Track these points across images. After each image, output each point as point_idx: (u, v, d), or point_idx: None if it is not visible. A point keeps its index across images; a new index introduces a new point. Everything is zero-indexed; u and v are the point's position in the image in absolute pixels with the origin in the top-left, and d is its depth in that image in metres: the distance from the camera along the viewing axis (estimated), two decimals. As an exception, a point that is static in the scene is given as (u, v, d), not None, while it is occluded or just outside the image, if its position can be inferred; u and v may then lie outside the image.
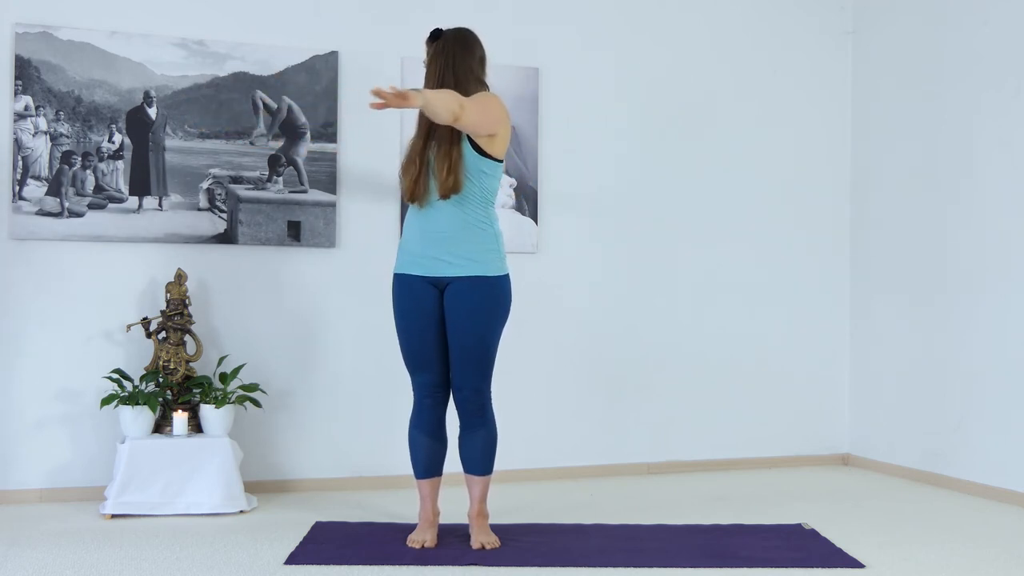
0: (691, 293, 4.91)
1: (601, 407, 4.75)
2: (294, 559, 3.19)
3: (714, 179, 4.95)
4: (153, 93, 4.16)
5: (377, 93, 2.90)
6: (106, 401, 3.82)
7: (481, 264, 3.30)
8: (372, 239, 4.42)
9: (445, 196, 3.24)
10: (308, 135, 4.34)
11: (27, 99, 4.02)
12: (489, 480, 3.42)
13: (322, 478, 4.35)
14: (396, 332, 3.39)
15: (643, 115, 4.85)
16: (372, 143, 4.43)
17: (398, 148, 4.42)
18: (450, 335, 3.32)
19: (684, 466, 4.86)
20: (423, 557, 3.23)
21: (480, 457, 3.37)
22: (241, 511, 3.83)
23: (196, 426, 3.96)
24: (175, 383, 3.97)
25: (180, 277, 4.03)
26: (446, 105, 3.03)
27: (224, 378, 4.00)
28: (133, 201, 4.13)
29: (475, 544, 3.33)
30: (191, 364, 4.05)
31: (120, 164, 4.13)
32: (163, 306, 4.11)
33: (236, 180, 4.26)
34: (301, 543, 3.38)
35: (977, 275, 4.38)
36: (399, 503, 4.04)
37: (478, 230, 3.30)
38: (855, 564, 3.19)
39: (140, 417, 3.83)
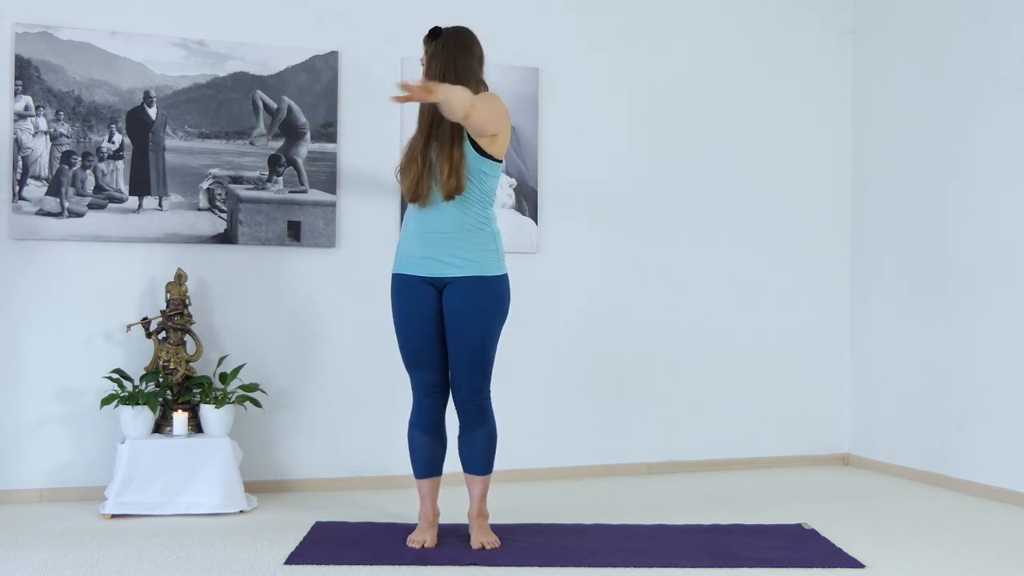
0: (691, 293, 4.91)
1: (601, 407, 4.75)
2: (294, 559, 3.19)
3: (714, 179, 4.95)
4: (153, 93, 4.16)
5: (404, 87, 2.91)
6: (106, 401, 3.82)
7: (480, 264, 3.30)
8: (372, 239, 4.42)
9: (448, 197, 3.23)
10: (308, 135, 4.34)
11: (27, 99, 4.02)
12: (489, 480, 3.42)
13: (322, 478, 4.35)
14: (395, 331, 3.39)
15: (643, 115, 4.85)
16: (372, 143, 4.43)
17: (398, 148, 4.42)
18: (449, 335, 3.32)
19: (684, 466, 4.86)
20: (423, 557, 3.23)
21: (480, 457, 3.38)
22: (241, 511, 3.83)
23: (196, 426, 3.96)
24: (175, 383, 3.97)
25: (180, 277, 4.03)
26: (462, 101, 3.03)
27: (224, 378, 3.99)
28: (133, 201, 4.13)
29: (475, 544, 3.33)
30: (191, 364, 4.05)
31: (120, 164, 4.13)
32: (163, 306, 4.11)
33: (236, 180, 4.26)
34: (301, 543, 3.38)
35: (977, 275, 4.38)
36: (399, 503, 4.04)
37: (477, 230, 3.30)
38: (855, 564, 3.19)
39: (140, 417, 3.83)
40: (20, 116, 4.01)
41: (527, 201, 4.61)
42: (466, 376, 3.32)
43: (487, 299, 3.30)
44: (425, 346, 3.34)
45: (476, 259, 3.29)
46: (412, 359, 3.36)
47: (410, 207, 3.36)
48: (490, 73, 3.45)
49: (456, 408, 3.39)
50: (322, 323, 4.38)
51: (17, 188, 4.00)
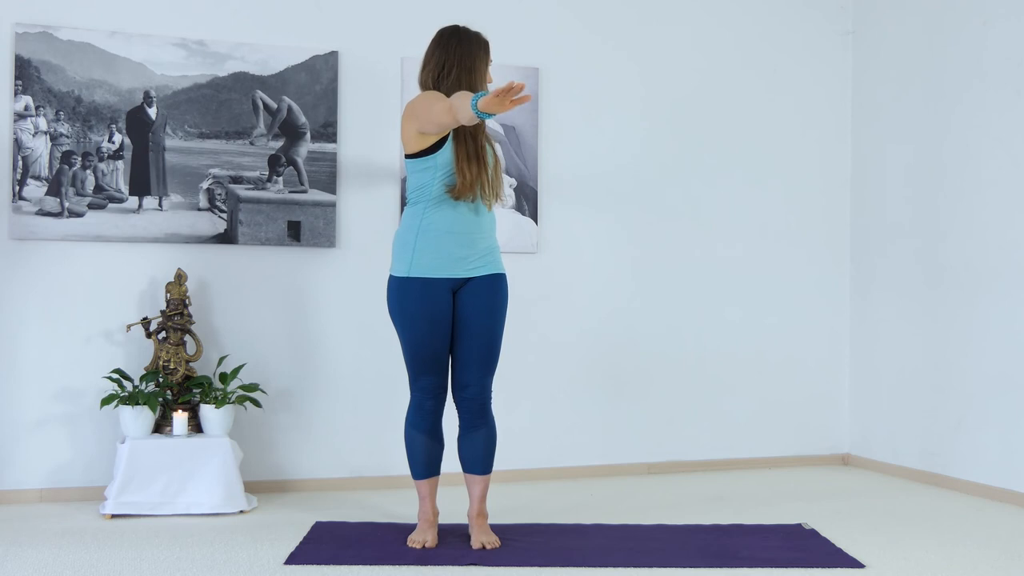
0: (691, 293, 4.91)
1: (601, 407, 4.75)
2: (294, 559, 3.19)
3: (714, 179, 4.95)
4: (153, 93, 4.16)
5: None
6: (106, 401, 3.82)
7: (495, 262, 3.36)
8: (372, 239, 4.41)
9: (497, 200, 3.37)
10: (308, 135, 4.34)
11: (27, 99, 4.01)
12: (489, 480, 3.42)
13: (322, 478, 4.35)
14: (403, 335, 3.34)
15: (643, 115, 4.85)
16: (372, 143, 4.43)
17: (398, 148, 4.42)
18: (464, 334, 3.32)
19: (684, 466, 4.86)
20: (423, 557, 3.23)
21: (481, 457, 3.38)
22: (241, 511, 3.83)
23: (196, 426, 3.96)
24: (175, 383, 3.97)
25: (180, 277, 4.03)
26: None
27: (224, 378, 3.99)
28: (133, 201, 4.13)
29: (475, 544, 3.33)
30: (191, 364, 4.05)
31: (120, 164, 4.13)
32: (163, 306, 4.11)
33: (236, 180, 4.26)
34: (301, 543, 3.38)
35: (977, 275, 4.38)
36: (399, 503, 4.04)
37: (494, 229, 3.40)
38: (855, 564, 3.19)
39: (140, 417, 3.83)
40: (20, 116, 4.01)
41: (527, 201, 4.61)
42: (476, 375, 3.33)
43: (498, 296, 3.36)
44: (441, 350, 3.33)
45: (493, 258, 3.37)
46: (427, 364, 3.33)
47: (434, 207, 3.28)
48: (490, 73, 3.47)
49: (458, 408, 3.39)
50: (322, 323, 4.38)
51: (17, 188, 4.00)
